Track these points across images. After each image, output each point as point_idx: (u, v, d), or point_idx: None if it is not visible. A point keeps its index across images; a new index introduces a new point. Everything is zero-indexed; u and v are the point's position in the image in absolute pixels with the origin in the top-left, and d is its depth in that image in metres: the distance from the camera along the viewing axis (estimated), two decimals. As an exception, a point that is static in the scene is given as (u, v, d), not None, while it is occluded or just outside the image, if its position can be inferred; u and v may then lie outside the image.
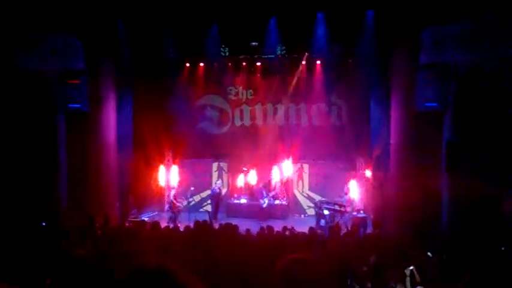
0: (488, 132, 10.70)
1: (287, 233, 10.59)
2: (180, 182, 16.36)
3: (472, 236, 9.74)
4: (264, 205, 15.78)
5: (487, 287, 2.41)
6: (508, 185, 10.35)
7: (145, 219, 14.46)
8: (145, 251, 8.26)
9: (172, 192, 15.47)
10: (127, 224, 12.97)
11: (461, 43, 11.25)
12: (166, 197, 16.32)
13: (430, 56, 11.87)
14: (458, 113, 11.55)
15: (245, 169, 16.87)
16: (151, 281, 1.35)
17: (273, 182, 16.73)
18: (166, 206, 15.62)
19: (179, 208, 15.17)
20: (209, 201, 16.72)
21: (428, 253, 8.54)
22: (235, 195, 16.83)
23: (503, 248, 8.26)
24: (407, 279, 6.95)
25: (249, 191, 16.77)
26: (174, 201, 15.15)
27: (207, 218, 11.46)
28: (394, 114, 13.09)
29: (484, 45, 10.79)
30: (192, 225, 11.06)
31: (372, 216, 14.46)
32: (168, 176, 16.72)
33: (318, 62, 16.35)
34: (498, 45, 10.51)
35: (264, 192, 16.16)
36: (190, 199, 16.18)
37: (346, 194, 14.98)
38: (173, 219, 14.78)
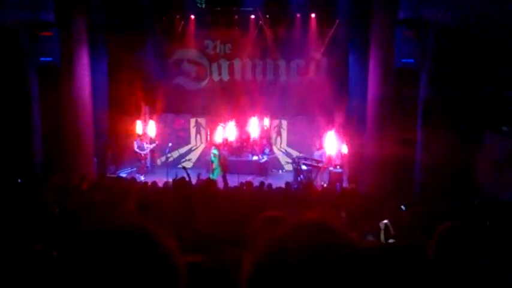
0: (464, 89, 10.83)
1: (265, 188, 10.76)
2: (144, 134, 16.31)
3: (445, 190, 10.04)
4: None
5: (459, 240, 2.51)
6: (480, 141, 10.60)
7: (123, 175, 14.46)
8: (122, 208, 8.28)
9: (135, 143, 15.51)
10: (104, 181, 12.92)
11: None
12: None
13: (408, 12, 11.81)
14: (434, 69, 11.63)
15: (222, 124, 16.81)
16: (129, 240, 1.34)
17: (252, 137, 16.81)
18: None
19: (144, 156, 15.50)
20: (188, 158, 16.79)
21: (402, 206, 8.79)
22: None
23: (475, 202, 8.55)
24: (382, 232, 7.15)
25: (228, 146, 16.80)
26: (138, 151, 15.34)
27: (188, 173, 11.47)
28: (372, 69, 13.10)
29: (460, 2, 10.74)
30: (170, 180, 11.15)
31: (348, 171, 14.73)
32: (145, 132, 16.57)
33: (297, 15, 16.08)
34: (475, 2, 10.47)
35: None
36: (169, 155, 16.17)
37: (319, 149, 15.15)
38: (141, 168, 15.25)
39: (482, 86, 10.44)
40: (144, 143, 15.75)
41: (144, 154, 15.63)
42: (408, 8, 11.87)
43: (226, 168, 14.54)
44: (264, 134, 16.90)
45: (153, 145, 16.14)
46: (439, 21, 11.36)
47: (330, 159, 14.66)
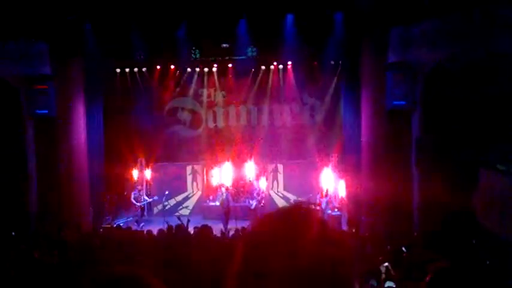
0: (455, 129, 10.93)
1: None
2: (142, 186, 16.16)
3: (442, 231, 9.95)
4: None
5: (454, 280, 2.48)
6: (476, 180, 10.62)
7: (121, 224, 14.31)
8: (116, 258, 8.14)
9: (132, 194, 15.34)
10: (100, 231, 12.77)
11: (428, 42, 11.48)
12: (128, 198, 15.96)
13: (397, 55, 12.10)
14: (425, 110, 11.79)
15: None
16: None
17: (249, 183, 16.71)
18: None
19: (139, 208, 15.21)
20: (185, 205, 16.67)
21: (403, 248, 8.68)
22: (211, 198, 16.71)
23: (473, 241, 8.47)
24: (383, 275, 7.04)
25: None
26: (134, 202, 15.13)
27: (182, 222, 11.36)
28: (365, 112, 13.29)
29: (449, 44, 11.03)
30: (164, 229, 11.01)
31: (346, 214, 14.59)
32: (142, 181, 16.49)
33: (289, 63, 16.46)
34: (463, 44, 10.75)
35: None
36: (165, 203, 16.05)
37: (324, 196, 14.89)
38: (138, 217, 14.99)
39: (474, 125, 10.55)
40: (143, 196, 15.54)
41: (140, 206, 15.33)
42: (398, 51, 12.17)
43: (228, 213, 14.45)
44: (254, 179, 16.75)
45: (151, 199, 15.96)
46: (428, 63, 11.63)
47: (328, 202, 14.55)
